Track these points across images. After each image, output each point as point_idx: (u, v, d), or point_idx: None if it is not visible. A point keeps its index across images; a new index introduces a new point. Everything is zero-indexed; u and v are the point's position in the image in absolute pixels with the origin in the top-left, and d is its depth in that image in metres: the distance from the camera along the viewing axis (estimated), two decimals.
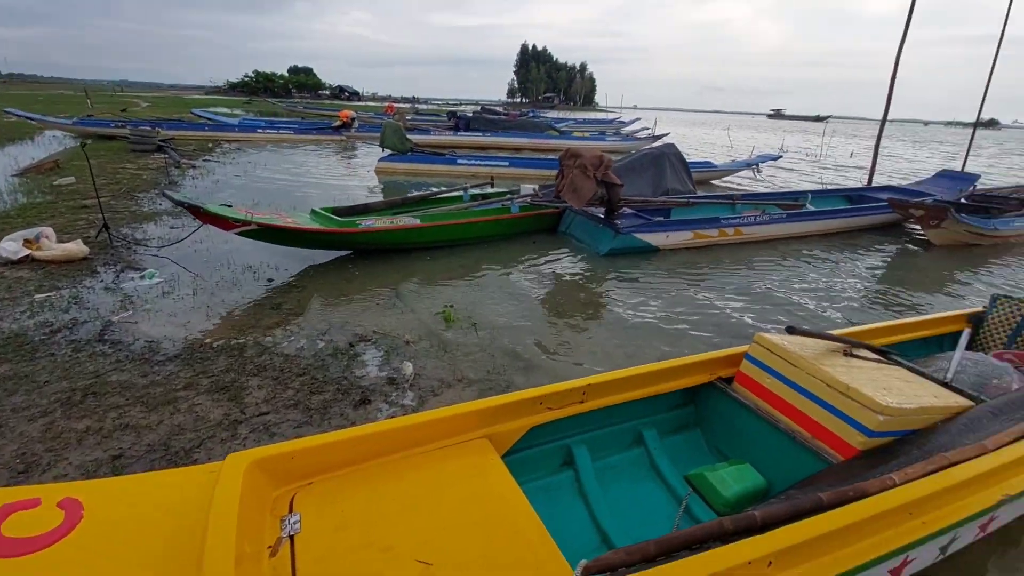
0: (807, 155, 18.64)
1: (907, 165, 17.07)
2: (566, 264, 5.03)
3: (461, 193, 6.31)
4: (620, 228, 5.28)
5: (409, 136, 11.28)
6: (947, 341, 3.13)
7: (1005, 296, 3.08)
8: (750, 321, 3.79)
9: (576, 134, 19.56)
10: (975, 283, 5.05)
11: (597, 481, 1.90)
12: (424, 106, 52.98)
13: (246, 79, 63.48)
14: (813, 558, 1.25)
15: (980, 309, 3.17)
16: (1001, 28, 8.80)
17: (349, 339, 3.25)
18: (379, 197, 7.63)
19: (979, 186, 7.95)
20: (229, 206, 4.19)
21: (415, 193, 6.35)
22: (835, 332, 2.52)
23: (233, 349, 3.03)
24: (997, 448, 1.66)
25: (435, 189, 7.11)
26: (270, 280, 4.21)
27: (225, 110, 26.08)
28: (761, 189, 9.76)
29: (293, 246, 4.56)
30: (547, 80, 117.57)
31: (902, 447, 1.72)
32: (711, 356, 2.22)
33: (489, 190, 6.63)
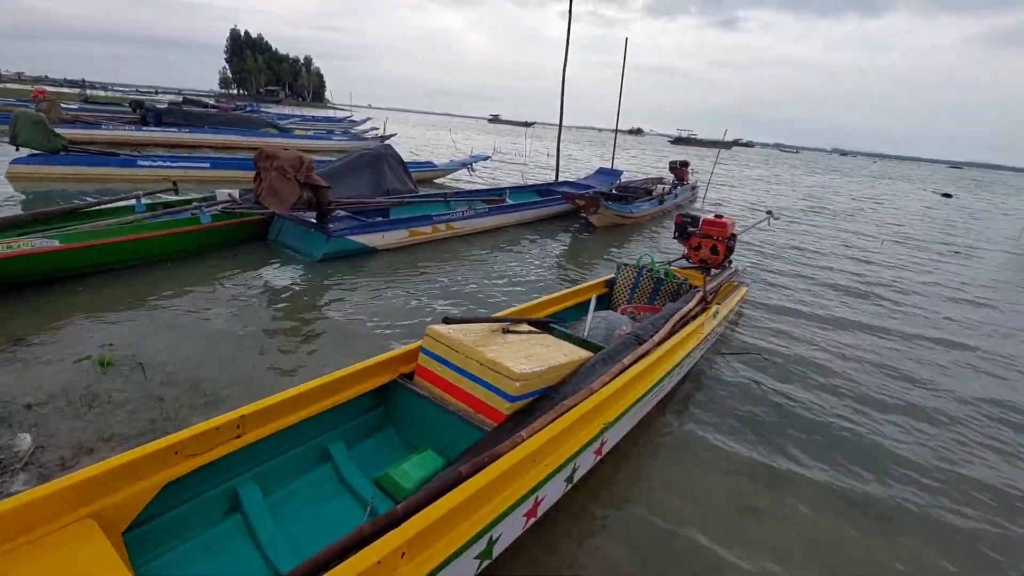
0: (516, 155, 21.43)
1: (584, 163, 21.28)
2: (275, 275, 4.57)
3: (132, 203, 5.12)
4: (332, 231, 5.07)
5: (63, 130, 8.65)
6: (598, 302, 3.98)
7: (624, 263, 4.05)
8: (457, 312, 4.09)
9: (299, 132, 18.12)
10: (622, 253, 6.59)
11: (272, 517, 1.73)
12: (101, 92, 41.85)
13: None
14: (448, 531, 1.37)
15: (613, 276, 4.11)
16: (623, 61, 11.63)
17: None
18: (18, 211, 5.63)
19: (623, 179, 10.47)
20: None
21: (61, 205, 4.87)
22: (504, 312, 2.90)
23: None
24: (601, 388, 2.14)
25: (91, 199, 5.60)
26: None
27: None
28: (480, 186, 10.77)
29: None
30: (268, 72, 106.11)
31: (539, 404, 2.06)
32: (393, 354, 2.28)
33: (172, 198, 5.56)
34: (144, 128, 13.38)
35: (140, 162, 8.92)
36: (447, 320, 2.22)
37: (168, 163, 9.19)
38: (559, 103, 10.21)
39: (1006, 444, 2.97)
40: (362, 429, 2.21)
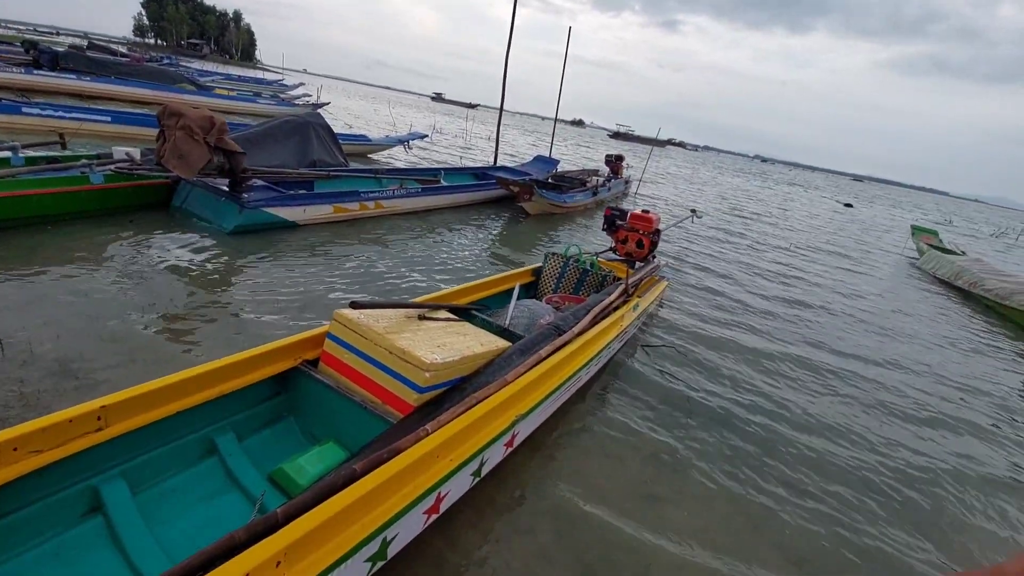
0: (456, 136, 21.01)
1: (524, 149, 21.26)
2: (176, 247, 4.16)
3: (7, 154, 4.47)
4: (247, 202, 4.69)
5: None
6: (523, 291, 3.96)
7: (552, 253, 4.05)
8: (375, 296, 3.92)
9: (220, 91, 16.57)
10: (553, 242, 6.63)
11: (142, 518, 1.55)
12: None
13: None
14: (335, 535, 1.28)
15: (540, 264, 4.11)
16: (565, 50, 11.63)
17: None
18: None
19: (560, 169, 10.55)
20: None
21: None
22: (423, 297, 2.79)
23: None
24: (515, 379, 2.11)
25: None
26: None
27: None
28: (417, 165, 10.44)
29: None
30: (191, 23, 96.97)
31: (449, 395, 1.99)
32: (296, 339, 2.12)
33: (59, 152, 4.91)
34: (36, 72, 11.71)
35: (25, 109, 7.81)
36: (355, 304, 2.08)
37: (60, 112, 8.11)
38: (502, 89, 10.05)
39: (889, 437, 3.28)
40: (258, 420, 2.05)
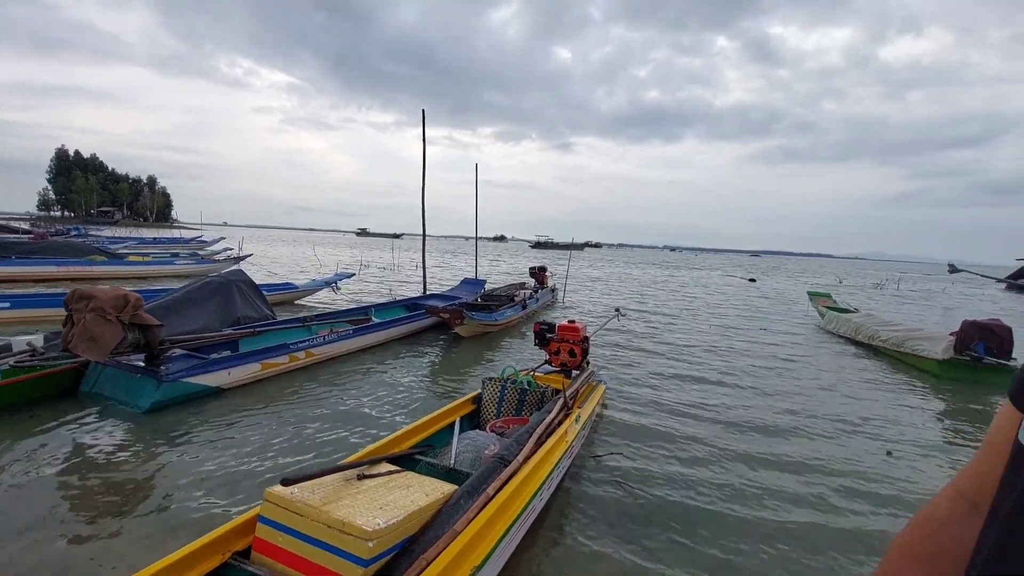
0: (385, 267, 21.51)
1: (453, 272, 22.06)
2: (87, 438, 3.79)
3: None
4: (164, 375, 4.46)
5: None
6: (465, 422, 3.92)
7: (489, 377, 4.12)
8: (313, 460, 3.66)
9: (134, 258, 16.16)
10: (491, 362, 6.71)
11: None
12: None
13: None
14: None
15: (479, 391, 4.14)
16: (475, 182, 12.78)
17: None
18: None
19: (487, 288, 11.01)
20: None
21: None
22: (360, 452, 2.71)
23: None
24: (465, 527, 2.05)
25: None
26: None
27: None
28: (345, 306, 10.46)
29: None
30: (102, 192, 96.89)
31: (396, 562, 1.89)
32: (223, 530, 1.97)
33: None
34: None
35: None
36: (286, 481, 2.00)
37: None
38: (431, 216, 10.70)
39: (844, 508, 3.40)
40: None
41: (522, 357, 6.90)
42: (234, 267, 9.62)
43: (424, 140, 10.40)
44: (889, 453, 4.33)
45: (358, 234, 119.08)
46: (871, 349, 8.93)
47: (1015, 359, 6.88)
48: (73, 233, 28.26)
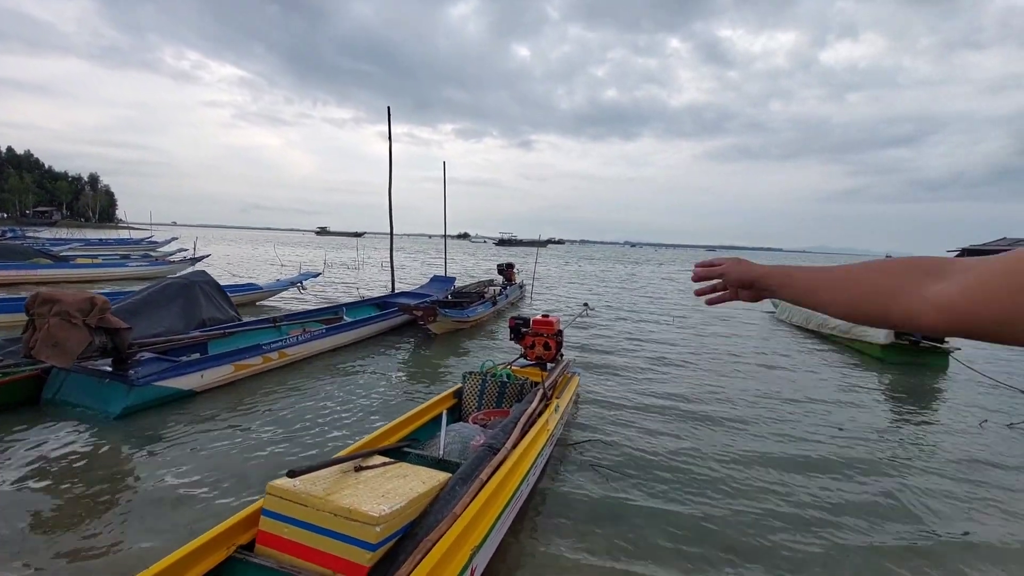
0: (349, 267, 21.14)
1: (418, 270, 21.91)
2: (53, 446, 3.67)
3: None
4: (135, 379, 4.34)
5: None
6: (448, 415, 4.01)
7: (469, 372, 4.22)
8: (297, 458, 3.66)
9: (82, 261, 15.19)
10: (466, 357, 6.80)
11: None
12: None
13: None
14: None
15: (460, 385, 4.24)
16: (443, 180, 12.78)
17: None
18: None
19: (457, 285, 11.07)
20: None
21: None
22: (353, 446, 2.78)
23: None
24: (463, 511, 2.16)
25: None
26: None
27: None
28: (313, 306, 10.29)
29: None
30: (39, 192, 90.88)
31: (402, 545, 1.98)
32: (227, 525, 2.01)
33: None
34: None
35: None
36: (292, 472, 2.06)
37: None
38: (388, 216, 10.63)
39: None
40: None
41: (494, 353, 7.02)
42: (197, 268, 9.29)
43: (390, 138, 10.35)
44: (840, 428, 4.70)
45: (318, 233, 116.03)
46: (820, 336, 9.52)
47: (947, 342, 7.51)
48: (8, 235, 26.38)
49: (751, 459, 3.96)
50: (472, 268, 24.22)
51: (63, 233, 38.50)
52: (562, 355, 5.26)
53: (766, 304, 13.81)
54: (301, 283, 11.15)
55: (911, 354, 7.56)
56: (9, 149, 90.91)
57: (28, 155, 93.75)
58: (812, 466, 3.91)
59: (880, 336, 7.74)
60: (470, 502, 2.22)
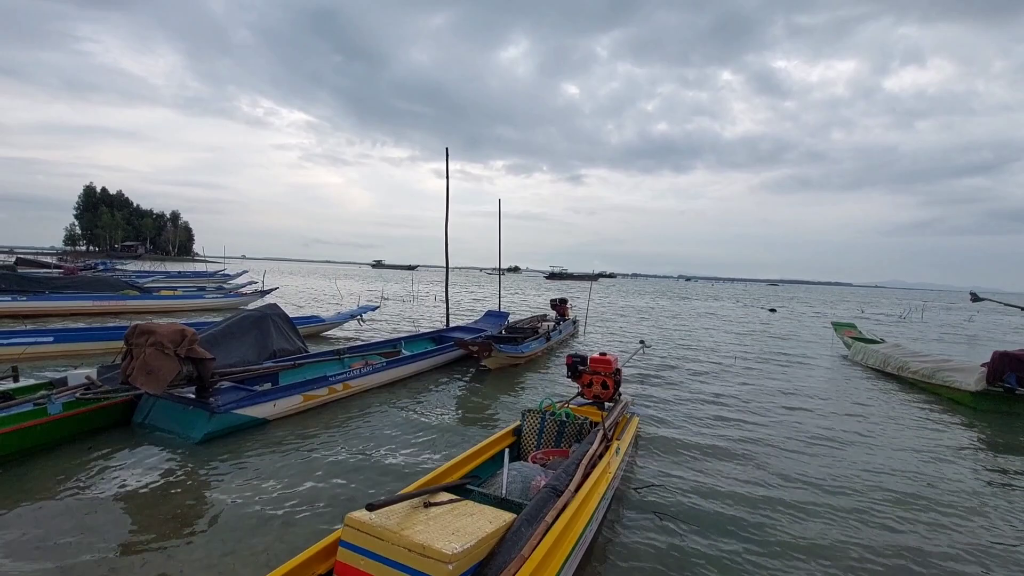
0: (403, 299, 21.82)
1: (477, 304, 22.27)
2: (142, 467, 3.98)
3: None
4: (216, 407, 4.66)
5: None
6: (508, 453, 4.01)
7: (528, 409, 4.24)
8: (362, 488, 3.77)
9: (165, 293, 16.61)
10: (521, 393, 6.81)
11: None
12: None
13: None
14: None
15: (519, 423, 4.25)
16: (499, 216, 13.12)
17: None
18: None
19: (510, 320, 11.17)
20: None
21: None
22: (419, 481, 2.85)
23: None
24: (531, 553, 2.16)
25: None
26: None
27: None
28: (373, 338, 10.68)
29: None
30: (127, 227, 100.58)
31: None
32: (305, 556, 2.10)
33: (12, 385, 4.78)
34: None
35: None
36: (371, 506, 2.14)
37: None
38: (444, 249, 10.98)
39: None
40: None
41: (549, 389, 6.99)
42: (266, 300, 9.91)
43: (447, 177, 10.80)
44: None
45: (373, 266, 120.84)
46: (899, 380, 8.84)
47: None
48: (101, 268, 29.26)
49: (831, 515, 3.70)
50: (518, 303, 24.37)
51: (147, 266, 42.15)
52: (620, 394, 5.18)
53: (839, 345, 13.02)
54: (361, 316, 11.62)
55: (1006, 402, 6.87)
56: (103, 189, 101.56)
57: (119, 195, 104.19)
58: (904, 534, 3.60)
59: (970, 382, 7.11)
60: (537, 544, 2.22)
